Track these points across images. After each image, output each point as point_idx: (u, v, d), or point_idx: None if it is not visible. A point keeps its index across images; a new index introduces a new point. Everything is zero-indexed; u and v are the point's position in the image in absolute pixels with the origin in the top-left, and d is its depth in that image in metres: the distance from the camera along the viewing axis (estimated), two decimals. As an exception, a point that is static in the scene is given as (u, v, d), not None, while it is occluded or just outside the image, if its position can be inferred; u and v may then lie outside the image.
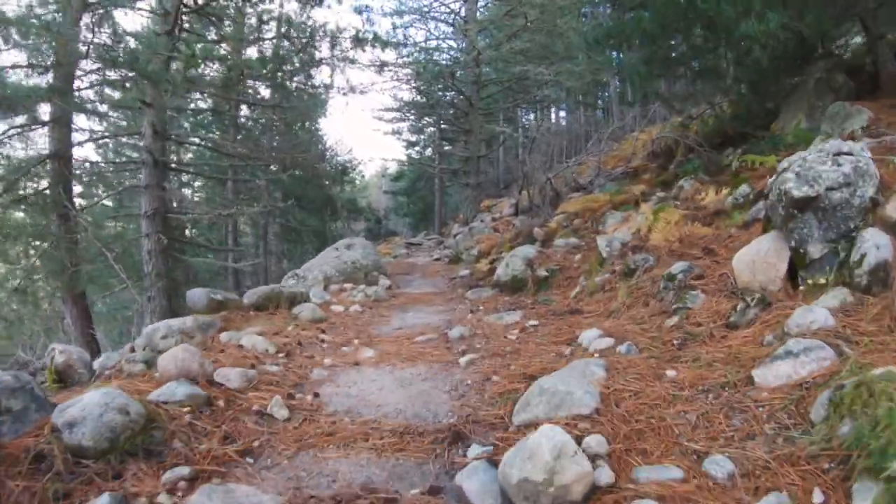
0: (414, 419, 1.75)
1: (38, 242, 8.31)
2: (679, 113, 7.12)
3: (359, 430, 1.66)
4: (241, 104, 12.03)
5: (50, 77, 7.38)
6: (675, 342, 2.18)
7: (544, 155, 9.86)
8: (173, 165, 11.08)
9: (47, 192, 7.87)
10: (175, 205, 9.21)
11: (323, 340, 2.88)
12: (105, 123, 10.29)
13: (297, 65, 8.94)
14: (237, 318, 3.49)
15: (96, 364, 2.94)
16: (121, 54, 6.65)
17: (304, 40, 7.90)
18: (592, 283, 3.68)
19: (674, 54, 5.50)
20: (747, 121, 5.49)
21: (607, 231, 4.60)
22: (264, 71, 7.88)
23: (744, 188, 3.93)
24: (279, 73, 8.97)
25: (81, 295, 8.01)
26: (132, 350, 2.91)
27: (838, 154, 2.37)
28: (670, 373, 1.85)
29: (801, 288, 2.44)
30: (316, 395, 2.04)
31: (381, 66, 12.47)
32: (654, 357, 2.05)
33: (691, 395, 1.65)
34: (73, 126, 8.40)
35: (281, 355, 2.56)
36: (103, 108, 9.62)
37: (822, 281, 2.38)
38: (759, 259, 2.54)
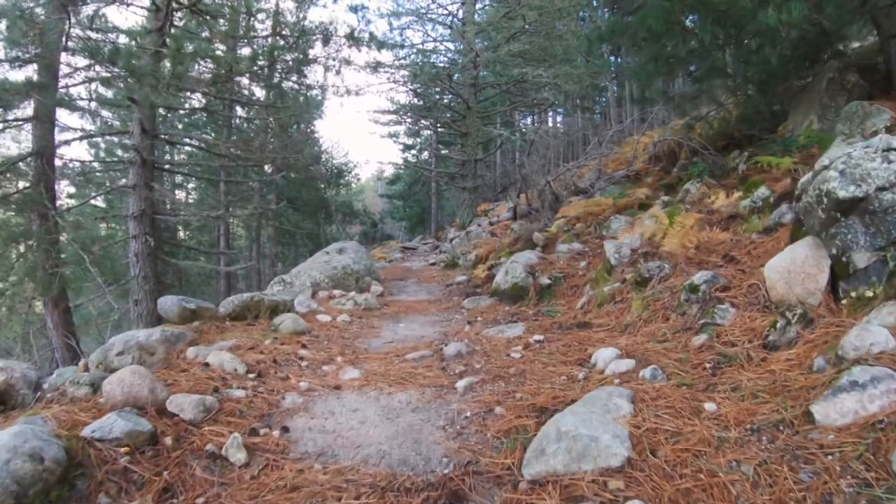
0: (400, 467, 1.42)
1: (13, 243, 7.94)
2: (683, 114, 6.90)
3: (331, 482, 1.33)
4: (236, 104, 11.73)
5: (31, 71, 7.03)
6: (707, 366, 1.88)
7: (542, 158, 9.60)
8: (166, 167, 10.75)
9: (28, 190, 7.50)
10: (169, 206, 8.85)
11: (302, 357, 2.55)
12: (98, 122, 9.93)
13: (290, 63, 8.64)
14: (211, 330, 3.16)
15: (47, 382, 2.60)
16: (103, 48, 6.33)
17: (296, 35, 7.60)
18: (601, 293, 3.38)
19: (680, 53, 5.28)
20: (754, 123, 5.29)
21: (615, 236, 4.31)
22: (255, 67, 7.58)
23: (762, 191, 3.67)
24: (271, 71, 8.67)
25: (63, 298, 7.64)
26: (85, 368, 2.58)
27: (888, 150, 2.09)
28: (709, 406, 1.54)
29: (844, 302, 2.16)
30: (285, 429, 1.71)
31: (377, 67, 12.24)
32: (686, 384, 1.74)
33: (741, 438, 1.35)
34: (59, 124, 8.05)
35: (251, 376, 2.23)
36: (92, 105, 9.26)
37: (869, 294, 2.10)
38: (796, 269, 2.25)
